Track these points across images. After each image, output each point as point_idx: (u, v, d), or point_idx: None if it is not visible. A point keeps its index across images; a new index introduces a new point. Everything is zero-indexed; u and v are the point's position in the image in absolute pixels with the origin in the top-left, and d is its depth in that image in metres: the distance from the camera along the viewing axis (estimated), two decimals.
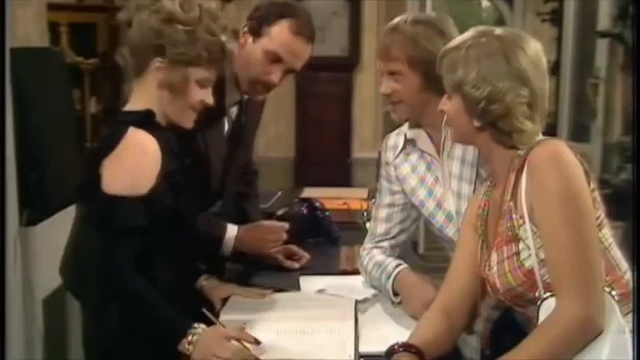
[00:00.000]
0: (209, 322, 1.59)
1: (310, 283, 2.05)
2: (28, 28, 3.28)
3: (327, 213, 2.55)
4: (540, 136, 1.53)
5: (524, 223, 1.46)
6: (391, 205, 2.00)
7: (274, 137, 6.32)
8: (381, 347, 1.55)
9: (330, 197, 2.84)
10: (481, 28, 1.59)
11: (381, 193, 2.03)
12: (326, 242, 2.45)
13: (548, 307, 1.40)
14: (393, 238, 2.00)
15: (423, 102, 1.83)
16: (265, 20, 2.00)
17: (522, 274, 1.47)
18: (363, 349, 1.63)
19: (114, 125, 1.67)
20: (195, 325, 1.53)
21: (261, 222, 2.28)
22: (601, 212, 1.48)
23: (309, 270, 2.17)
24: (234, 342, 1.54)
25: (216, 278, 1.93)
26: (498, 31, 1.55)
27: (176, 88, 1.65)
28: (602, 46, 4.99)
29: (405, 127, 1.97)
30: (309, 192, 3.06)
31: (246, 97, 2.14)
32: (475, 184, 1.82)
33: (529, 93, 1.49)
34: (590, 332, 1.36)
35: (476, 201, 1.67)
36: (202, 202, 2.06)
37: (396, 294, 1.86)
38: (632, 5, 4.38)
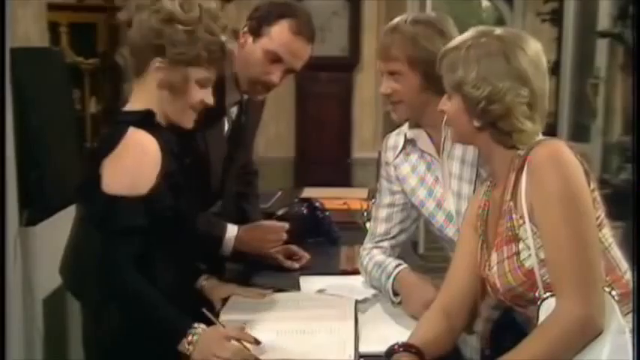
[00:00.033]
0: (209, 322, 1.59)
1: (310, 283, 2.05)
2: (28, 28, 3.28)
3: (327, 213, 2.54)
4: (540, 136, 1.53)
5: (524, 223, 1.46)
6: (391, 205, 2.00)
7: (274, 137, 6.32)
8: (381, 347, 1.55)
9: (330, 197, 2.84)
10: (481, 28, 1.59)
11: (381, 193, 2.03)
12: (326, 242, 2.45)
13: (548, 307, 1.40)
14: (393, 238, 2.00)
15: (423, 102, 1.83)
16: (265, 20, 2.00)
17: (522, 274, 1.47)
18: (363, 349, 1.63)
19: (114, 125, 1.67)
20: (195, 325, 1.53)
21: (261, 222, 2.28)
22: (601, 212, 1.48)
23: (309, 270, 2.17)
24: (234, 342, 1.54)
25: (216, 278, 1.93)
26: (498, 31, 1.55)
27: (176, 88, 1.65)
28: (602, 46, 4.99)
29: (405, 127, 1.97)
30: (309, 192, 3.06)
31: (246, 97, 2.14)
32: (475, 184, 1.82)
33: (529, 93, 1.49)
34: (590, 332, 1.36)
35: (476, 201, 1.67)
36: (202, 202, 2.06)
37: (396, 294, 1.86)
38: (632, 5, 4.38)
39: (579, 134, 5.26)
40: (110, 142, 1.60)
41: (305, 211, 2.52)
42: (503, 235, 1.51)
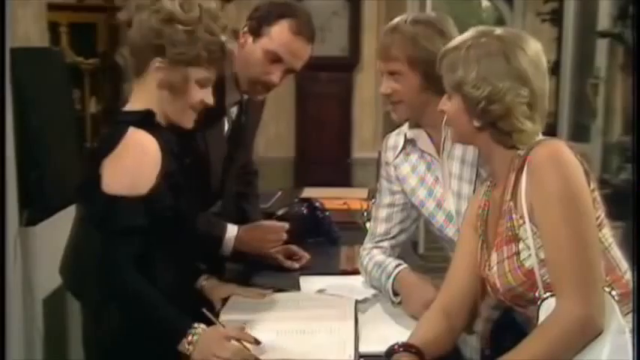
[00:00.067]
0: (209, 322, 1.59)
1: (310, 283, 2.05)
2: (28, 28, 3.28)
3: (327, 213, 2.54)
4: (540, 136, 1.53)
5: (524, 223, 1.46)
6: (391, 205, 2.00)
7: (274, 137, 6.32)
8: (381, 347, 1.55)
9: (330, 197, 2.84)
10: (481, 28, 1.59)
11: (381, 193, 2.03)
12: (326, 242, 2.45)
13: (548, 307, 1.40)
14: (393, 238, 2.00)
15: (423, 102, 1.83)
16: (265, 20, 2.00)
17: (522, 274, 1.47)
18: (363, 349, 1.63)
19: (114, 125, 1.67)
20: (195, 325, 1.53)
21: (261, 222, 2.28)
22: (601, 212, 1.48)
23: (309, 270, 2.17)
24: (234, 342, 1.54)
25: (217, 278, 1.92)
26: (498, 31, 1.55)
27: (176, 88, 1.65)
28: (602, 46, 4.99)
29: (405, 127, 1.97)
30: (309, 192, 3.06)
31: (246, 97, 2.14)
32: (475, 184, 1.82)
33: (529, 93, 1.49)
34: (590, 332, 1.36)
35: (476, 201, 1.67)
36: (202, 202, 2.06)
37: (396, 294, 1.86)
38: (632, 5, 4.38)
39: (579, 134, 5.26)
40: (110, 142, 1.60)
41: (305, 211, 2.52)
42: (503, 235, 1.51)
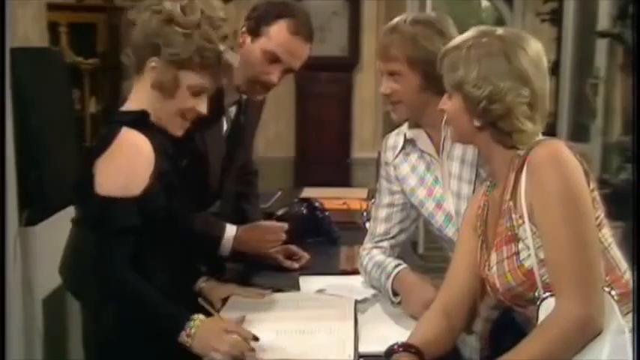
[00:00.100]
0: (208, 315, 1.59)
1: (310, 283, 2.05)
2: (28, 28, 3.28)
3: (327, 213, 2.54)
4: (540, 136, 1.53)
5: (523, 223, 1.46)
6: (391, 205, 2.00)
7: (274, 137, 6.33)
8: (380, 347, 1.55)
9: (329, 197, 2.84)
10: (482, 27, 1.59)
11: (380, 193, 2.03)
12: (326, 242, 2.45)
13: (547, 307, 1.40)
14: (393, 238, 2.00)
15: (422, 102, 1.83)
16: (263, 20, 2.00)
17: (522, 274, 1.47)
18: (363, 349, 1.63)
19: (108, 125, 1.67)
20: (193, 316, 1.53)
21: (260, 222, 2.28)
22: (601, 212, 1.48)
23: (309, 270, 2.17)
24: (232, 335, 1.54)
25: (217, 279, 1.92)
26: (499, 31, 1.55)
27: (165, 89, 1.64)
28: (601, 46, 4.99)
29: (404, 127, 1.97)
30: (308, 192, 3.06)
31: (245, 96, 2.14)
32: (475, 185, 1.82)
33: (530, 93, 1.49)
34: (589, 332, 1.36)
35: (475, 201, 1.67)
36: (201, 202, 2.06)
37: (395, 294, 1.86)
38: (632, 5, 4.38)
39: (579, 134, 5.26)
40: (103, 142, 1.60)
41: (305, 211, 2.52)
42: (503, 235, 1.51)
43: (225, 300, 1.85)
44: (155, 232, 1.61)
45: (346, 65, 6.28)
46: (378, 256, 1.98)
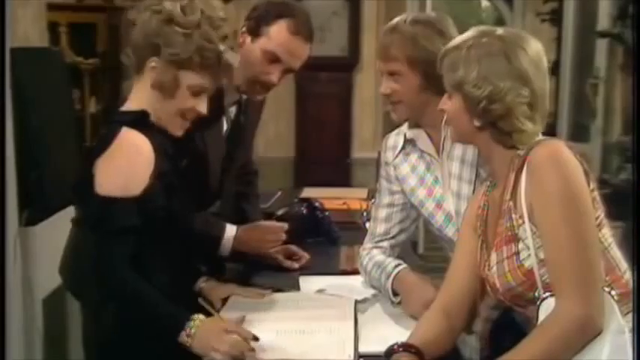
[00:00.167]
0: (208, 315, 1.59)
1: (310, 283, 2.05)
2: (28, 28, 3.28)
3: (327, 213, 2.54)
4: (540, 136, 1.53)
5: (523, 223, 1.46)
6: (391, 205, 2.00)
7: (274, 137, 6.33)
8: (380, 347, 1.55)
9: (329, 197, 2.84)
10: (482, 27, 1.59)
11: (380, 193, 2.03)
12: (326, 242, 2.45)
13: (547, 307, 1.40)
14: (393, 238, 2.00)
15: (422, 102, 1.83)
16: (263, 20, 2.00)
17: (522, 274, 1.47)
18: (363, 349, 1.63)
19: (108, 125, 1.67)
20: (193, 316, 1.54)
21: (260, 222, 2.28)
22: (601, 212, 1.48)
23: (309, 270, 2.17)
24: (232, 335, 1.54)
25: (216, 279, 1.92)
26: (500, 31, 1.55)
27: (165, 90, 1.64)
28: (601, 46, 4.99)
29: (404, 127, 1.97)
30: (308, 192, 3.06)
31: (245, 96, 2.14)
32: (475, 185, 1.82)
33: (530, 93, 1.49)
34: (589, 332, 1.36)
35: (475, 201, 1.67)
36: (201, 202, 2.06)
37: (395, 294, 1.86)
38: (632, 5, 4.38)
39: (579, 134, 5.26)
40: (103, 142, 1.60)
41: (305, 211, 2.52)
42: (503, 235, 1.51)
43: (225, 300, 1.85)
44: (155, 232, 1.61)
45: (346, 65, 6.28)
46: (378, 256, 1.98)
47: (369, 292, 1.95)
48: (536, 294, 1.45)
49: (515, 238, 1.48)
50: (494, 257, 1.54)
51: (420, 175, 1.93)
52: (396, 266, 1.89)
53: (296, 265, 2.19)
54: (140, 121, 1.63)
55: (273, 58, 1.99)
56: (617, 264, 1.49)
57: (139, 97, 1.67)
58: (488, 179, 1.67)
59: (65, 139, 3.15)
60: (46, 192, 2.84)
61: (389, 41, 1.83)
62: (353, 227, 2.55)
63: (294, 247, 2.24)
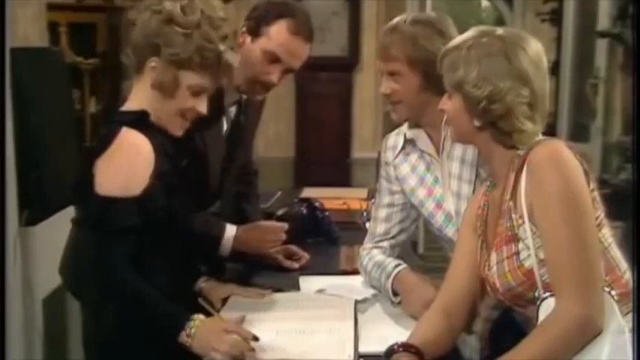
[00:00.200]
0: (208, 315, 1.59)
1: (310, 283, 2.05)
2: (28, 28, 3.28)
3: (327, 213, 2.54)
4: (540, 136, 1.53)
5: (523, 223, 1.46)
6: (391, 205, 2.00)
7: (274, 137, 6.33)
8: (380, 347, 1.55)
9: (329, 197, 2.84)
10: (482, 27, 1.59)
11: (380, 193, 2.03)
12: (326, 242, 2.45)
13: (547, 307, 1.40)
14: (393, 238, 2.00)
15: (422, 102, 1.83)
16: (263, 20, 2.00)
17: (522, 274, 1.47)
18: (363, 349, 1.63)
19: (108, 125, 1.67)
20: (193, 316, 1.54)
21: (260, 222, 2.28)
22: (601, 212, 1.48)
23: (309, 270, 2.17)
24: (232, 335, 1.54)
25: (216, 279, 1.92)
26: (500, 31, 1.55)
27: (166, 90, 1.64)
28: (601, 46, 4.99)
29: (404, 127, 1.97)
30: (308, 192, 3.06)
31: (245, 96, 2.14)
32: (475, 185, 1.82)
33: (530, 93, 1.49)
34: (589, 332, 1.36)
35: (475, 201, 1.67)
36: (201, 202, 2.06)
37: (395, 294, 1.86)
38: (632, 5, 4.38)
39: (579, 134, 5.26)
40: (103, 142, 1.60)
41: (305, 211, 2.52)
42: (503, 235, 1.51)
43: (225, 300, 1.85)
44: (155, 232, 1.61)
45: (346, 65, 6.28)
46: (378, 256, 1.98)
47: (369, 292, 1.95)
48: (536, 294, 1.45)
49: (515, 238, 1.48)
50: (494, 257, 1.54)
51: (420, 175, 1.93)
52: (396, 266, 1.89)
53: (296, 265, 2.19)
54: (140, 121, 1.63)
55: (273, 58, 1.99)
56: (617, 264, 1.49)
57: (139, 97, 1.67)
58: (488, 179, 1.67)
59: (65, 139, 3.15)
60: (46, 192, 2.84)
61: (389, 41, 1.83)
62: (353, 227, 2.55)
63: (294, 247, 2.24)
